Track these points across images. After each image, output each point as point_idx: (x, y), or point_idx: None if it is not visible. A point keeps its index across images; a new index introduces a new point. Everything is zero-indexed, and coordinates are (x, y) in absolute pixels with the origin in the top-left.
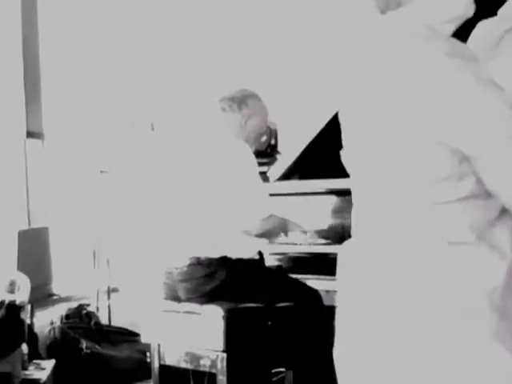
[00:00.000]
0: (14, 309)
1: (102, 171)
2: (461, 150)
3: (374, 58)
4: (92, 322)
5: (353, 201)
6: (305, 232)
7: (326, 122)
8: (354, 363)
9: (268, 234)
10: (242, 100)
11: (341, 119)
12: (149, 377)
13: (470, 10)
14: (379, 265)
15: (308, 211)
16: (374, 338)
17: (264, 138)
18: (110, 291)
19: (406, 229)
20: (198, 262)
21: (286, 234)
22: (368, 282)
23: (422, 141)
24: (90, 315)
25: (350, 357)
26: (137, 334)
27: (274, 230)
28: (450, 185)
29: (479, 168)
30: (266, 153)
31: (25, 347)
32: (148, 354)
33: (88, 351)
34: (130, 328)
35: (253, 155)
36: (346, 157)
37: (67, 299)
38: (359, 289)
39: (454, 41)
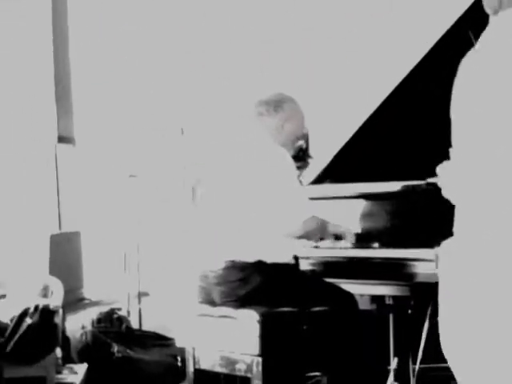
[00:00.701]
0: (47, 313)
1: (131, 175)
2: None
3: (491, 56)
4: (123, 326)
5: (455, 202)
6: (343, 235)
7: (358, 126)
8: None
9: (308, 236)
10: (278, 104)
11: (454, 119)
12: (179, 381)
13: None
14: (482, 264)
15: (340, 215)
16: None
17: (300, 142)
18: (140, 295)
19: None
20: (234, 266)
21: (325, 237)
22: (470, 279)
23: None
24: (121, 319)
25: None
26: (167, 338)
27: (315, 231)
28: None
29: None
30: (298, 157)
31: (59, 351)
32: (179, 358)
33: (119, 355)
34: (161, 332)
35: (291, 159)
36: (456, 156)
37: (98, 303)
38: (463, 286)
39: None
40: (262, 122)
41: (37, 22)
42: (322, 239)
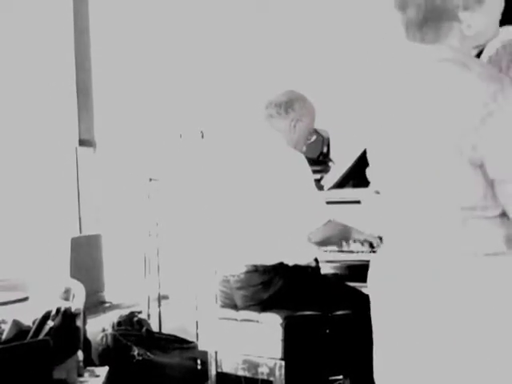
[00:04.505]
0: (69, 316)
1: (151, 179)
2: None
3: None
4: (143, 329)
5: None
6: (367, 241)
7: None
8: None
9: (328, 241)
10: (288, 105)
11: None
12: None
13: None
14: (411, 273)
15: (362, 219)
16: (411, 346)
17: (313, 138)
18: (160, 298)
19: (438, 239)
20: (255, 270)
21: (348, 242)
22: (399, 289)
23: (458, 161)
24: (141, 322)
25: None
26: (187, 341)
27: (335, 236)
28: (486, 203)
29: (501, 192)
30: (319, 161)
31: (80, 354)
32: (199, 361)
33: (139, 358)
34: (180, 335)
35: (307, 162)
36: (374, 172)
37: (119, 306)
38: (390, 295)
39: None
40: (273, 124)
41: (59, 27)
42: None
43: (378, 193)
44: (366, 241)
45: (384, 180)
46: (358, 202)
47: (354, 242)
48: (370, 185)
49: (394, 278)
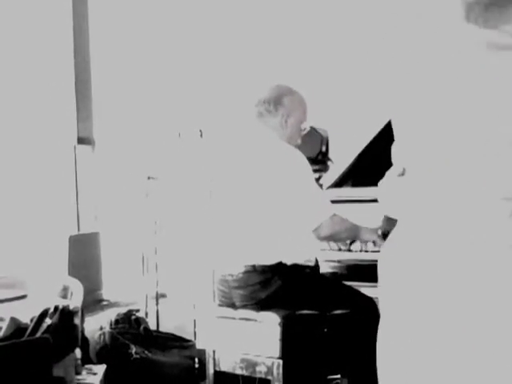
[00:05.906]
0: (67, 314)
1: (149, 177)
2: None
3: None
4: (141, 328)
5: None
6: (374, 242)
7: (379, 128)
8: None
9: (337, 236)
10: (277, 100)
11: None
12: (197, 383)
13: None
14: (441, 263)
15: (361, 218)
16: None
17: (305, 126)
18: (158, 297)
19: (481, 230)
20: (254, 269)
21: (358, 240)
22: (425, 281)
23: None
24: (139, 321)
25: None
26: (185, 340)
27: (344, 231)
28: None
29: None
30: (317, 160)
31: (78, 352)
32: (196, 359)
33: (137, 356)
34: (178, 333)
35: (305, 158)
36: (400, 151)
37: (116, 304)
38: (411, 287)
39: None
40: (264, 122)
41: (57, 24)
42: (351, 242)
43: (402, 174)
44: (373, 241)
45: (414, 160)
46: (357, 201)
47: (366, 242)
48: (393, 166)
49: (417, 268)
